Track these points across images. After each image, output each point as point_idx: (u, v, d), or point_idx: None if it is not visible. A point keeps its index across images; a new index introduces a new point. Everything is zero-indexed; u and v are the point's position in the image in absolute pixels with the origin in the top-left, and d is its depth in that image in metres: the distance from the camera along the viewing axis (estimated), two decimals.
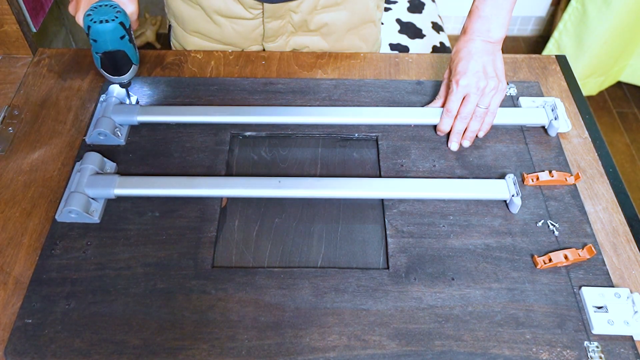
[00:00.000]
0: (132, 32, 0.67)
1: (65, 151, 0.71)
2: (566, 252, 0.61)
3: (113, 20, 0.62)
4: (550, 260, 0.60)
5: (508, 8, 0.70)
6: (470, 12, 0.71)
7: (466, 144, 0.72)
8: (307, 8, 0.81)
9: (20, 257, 0.61)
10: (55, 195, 0.66)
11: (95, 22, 0.62)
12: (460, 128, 0.71)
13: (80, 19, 0.66)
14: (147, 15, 2.11)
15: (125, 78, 0.69)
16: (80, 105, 0.77)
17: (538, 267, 0.60)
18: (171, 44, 0.95)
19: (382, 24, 1.65)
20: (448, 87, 0.72)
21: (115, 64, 0.67)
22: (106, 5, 0.64)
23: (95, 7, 0.63)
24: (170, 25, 0.93)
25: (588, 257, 0.60)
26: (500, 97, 0.70)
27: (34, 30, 0.94)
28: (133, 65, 0.69)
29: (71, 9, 0.69)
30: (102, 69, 0.68)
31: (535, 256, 0.61)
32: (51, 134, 0.73)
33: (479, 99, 0.69)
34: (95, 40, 0.63)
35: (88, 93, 0.79)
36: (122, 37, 0.64)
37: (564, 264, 0.60)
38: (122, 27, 0.63)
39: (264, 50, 0.89)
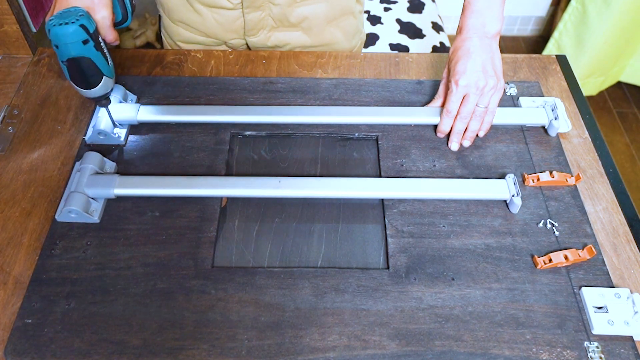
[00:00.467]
0: (100, 39, 0.62)
1: (65, 151, 0.71)
2: (566, 252, 0.61)
3: (73, 22, 0.58)
4: (550, 260, 0.60)
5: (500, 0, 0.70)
6: (463, 8, 0.71)
7: (466, 143, 0.72)
8: (286, 0, 0.82)
9: (20, 257, 0.61)
10: (55, 195, 0.66)
11: (54, 25, 0.58)
12: (460, 128, 0.71)
13: None
14: (147, 15, 2.11)
15: (97, 92, 0.64)
16: (80, 105, 0.77)
17: (538, 267, 0.60)
18: (162, 35, 0.96)
19: (383, 21, 1.65)
20: (447, 87, 0.72)
21: (82, 73, 0.62)
22: (70, 10, 0.60)
23: (60, 13, 0.60)
24: (159, 16, 0.94)
25: (588, 257, 0.60)
26: (499, 95, 0.70)
27: (34, 30, 0.94)
28: (104, 77, 0.63)
29: (47, 17, 0.65)
30: (71, 81, 0.63)
31: (536, 256, 0.61)
32: (51, 134, 0.73)
33: (479, 98, 0.69)
34: (57, 46, 0.60)
35: None
36: (85, 42, 0.60)
37: (564, 265, 0.60)
38: (83, 30, 0.59)
39: (246, 44, 0.89)
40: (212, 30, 0.87)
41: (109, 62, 0.64)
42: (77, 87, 0.64)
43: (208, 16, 0.85)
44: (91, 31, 0.61)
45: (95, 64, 0.62)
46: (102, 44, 0.63)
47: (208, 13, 0.84)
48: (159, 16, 0.94)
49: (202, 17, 0.85)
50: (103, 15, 0.64)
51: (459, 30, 0.72)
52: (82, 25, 0.59)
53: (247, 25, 0.85)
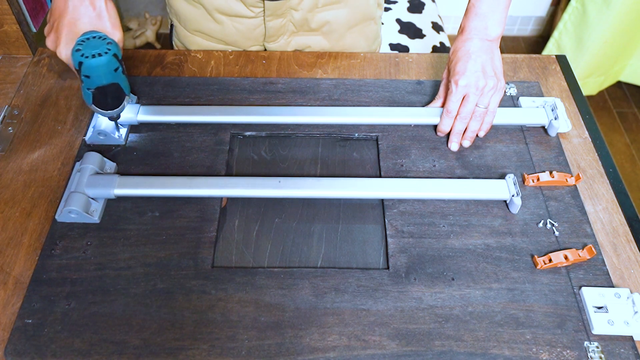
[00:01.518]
0: (123, 63, 0.63)
1: (65, 151, 0.71)
2: (566, 252, 0.61)
3: (106, 53, 0.58)
4: (550, 260, 0.60)
5: (504, 4, 0.70)
6: (466, 10, 0.71)
7: (466, 144, 0.72)
8: (307, 5, 0.81)
9: (20, 257, 0.61)
10: (55, 195, 0.66)
11: (87, 57, 0.58)
12: (460, 128, 0.71)
13: (62, 54, 0.62)
14: (147, 15, 2.11)
15: (118, 111, 0.66)
16: (80, 105, 0.77)
17: (538, 267, 0.60)
18: (173, 43, 0.95)
19: (382, 23, 1.65)
20: (447, 87, 0.72)
21: (108, 97, 0.63)
22: (94, 37, 0.59)
23: (83, 41, 0.59)
24: (172, 25, 0.93)
25: (588, 257, 0.60)
26: (499, 96, 0.70)
27: (34, 30, 0.94)
28: (125, 97, 0.65)
29: (49, 43, 0.64)
30: (93, 105, 0.63)
31: (536, 256, 0.61)
32: (51, 134, 0.73)
33: (478, 98, 0.69)
34: (87, 77, 0.59)
35: None
36: (116, 70, 0.61)
37: (564, 265, 0.60)
38: (115, 59, 0.60)
39: (265, 50, 0.89)
40: (232, 38, 0.86)
41: (128, 81, 0.65)
42: (99, 109, 0.64)
43: (228, 25, 0.84)
44: (120, 57, 0.61)
45: (121, 88, 0.63)
46: (124, 67, 0.63)
47: (228, 22, 0.84)
48: (171, 25, 0.93)
49: (222, 26, 0.84)
50: (118, 38, 0.64)
51: (461, 31, 0.72)
52: (114, 55, 0.59)
53: (267, 32, 0.84)
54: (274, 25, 0.83)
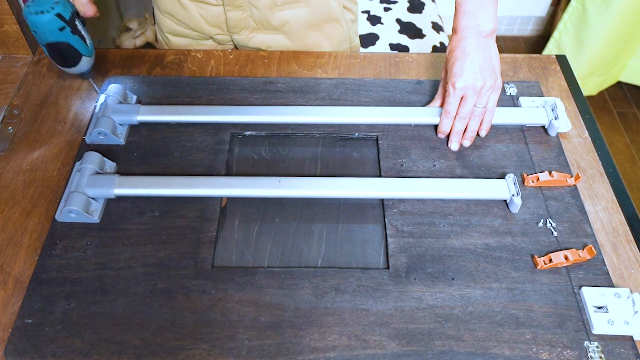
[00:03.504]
0: (78, 22, 0.65)
1: (65, 151, 0.71)
2: (566, 252, 0.61)
3: (49, 11, 0.61)
4: (550, 260, 0.60)
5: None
6: (455, 10, 0.71)
7: (466, 143, 0.72)
8: (266, 3, 0.83)
9: (20, 257, 0.61)
10: (55, 194, 0.66)
11: (31, 13, 0.61)
12: (459, 128, 0.71)
13: None
14: (147, 15, 2.11)
15: (77, 70, 0.68)
16: (80, 105, 0.77)
17: (538, 267, 0.60)
18: (155, 27, 0.98)
19: (383, 21, 1.65)
20: (445, 88, 0.72)
21: (62, 55, 0.65)
22: None
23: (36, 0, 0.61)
24: (152, 7, 0.95)
25: (588, 257, 0.60)
26: (497, 94, 0.70)
27: None
28: (84, 57, 0.67)
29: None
30: (52, 60, 0.67)
31: (536, 256, 0.61)
32: (51, 134, 0.73)
33: (477, 99, 0.69)
34: (35, 32, 0.62)
35: (88, 92, 0.79)
36: (62, 29, 0.62)
37: (565, 265, 0.60)
38: (59, 18, 0.61)
39: (232, 41, 0.91)
40: (198, 24, 0.88)
41: (88, 42, 0.67)
42: (58, 65, 0.67)
43: (193, 10, 0.86)
44: (67, 18, 0.62)
45: (73, 47, 0.65)
46: (79, 26, 0.65)
47: (193, 7, 0.86)
48: (152, 7, 0.95)
49: (187, 11, 0.86)
50: (80, 2, 0.65)
51: (454, 30, 0.71)
52: (57, 14, 0.61)
53: (229, 22, 0.86)
54: (234, 17, 0.85)
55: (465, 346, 0.55)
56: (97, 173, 0.65)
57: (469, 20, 0.69)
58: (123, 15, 2.15)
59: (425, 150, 0.72)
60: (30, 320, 0.55)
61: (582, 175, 0.70)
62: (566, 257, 0.60)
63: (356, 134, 0.74)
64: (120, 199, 0.65)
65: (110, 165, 0.68)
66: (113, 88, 0.74)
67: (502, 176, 0.68)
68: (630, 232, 0.65)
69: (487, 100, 0.69)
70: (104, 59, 0.84)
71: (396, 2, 1.74)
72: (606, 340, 0.56)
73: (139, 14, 2.15)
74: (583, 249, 0.61)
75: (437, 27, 1.66)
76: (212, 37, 0.90)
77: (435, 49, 1.58)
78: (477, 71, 0.68)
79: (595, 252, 0.61)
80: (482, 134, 0.73)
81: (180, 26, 0.90)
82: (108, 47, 2.01)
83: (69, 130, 0.74)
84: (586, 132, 0.76)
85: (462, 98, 0.70)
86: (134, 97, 0.76)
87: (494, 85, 0.69)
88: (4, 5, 0.79)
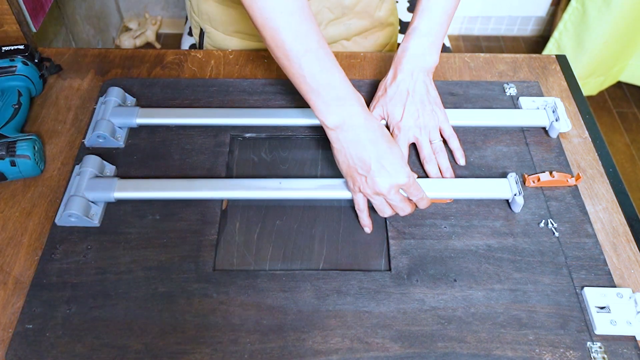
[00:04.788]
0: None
1: (65, 151, 0.71)
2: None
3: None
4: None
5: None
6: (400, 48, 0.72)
7: (449, 175, 0.68)
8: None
9: (20, 257, 0.61)
10: (55, 194, 0.66)
11: None
12: (435, 171, 0.69)
13: None
14: (147, 15, 2.11)
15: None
16: (80, 105, 0.77)
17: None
18: (204, 48, 0.94)
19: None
20: (385, 89, 0.71)
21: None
22: None
23: None
24: (202, 31, 0.91)
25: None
26: (440, 112, 0.69)
27: (34, 30, 0.94)
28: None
29: None
30: None
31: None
32: (51, 134, 0.73)
33: (429, 135, 0.68)
34: None
35: (88, 93, 0.78)
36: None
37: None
38: None
39: None
40: None
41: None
42: None
43: None
44: None
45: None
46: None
47: None
48: (201, 30, 0.91)
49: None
50: None
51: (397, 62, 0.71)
52: None
53: None
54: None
55: (468, 348, 0.55)
56: (97, 176, 0.65)
57: (414, 60, 0.69)
58: (123, 15, 2.15)
59: None
60: (31, 326, 0.55)
61: (582, 175, 0.70)
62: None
63: None
64: (120, 202, 0.65)
65: (110, 168, 0.68)
66: (112, 91, 0.73)
67: (504, 176, 0.68)
68: (630, 232, 0.65)
69: (437, 130, 0.69)
70: (104, 59, 0.84)
71: (396, 2, 1.74)
72: (609, 341, 0.55)
73: (139, 14, 2.15)
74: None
75: None
76: None
77: None
78: (418, 110, 0.68)
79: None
80: (461, 162, 0.70)
81: (252, 41, 0.87)
82: (108, 47, 2.01)
83: (69, 130, 0.74)
84: (586, 132, 0.76)
85: (414, 142, 0.69)
86: (133, 100, 0.76)
87: (432, 108, 0.68)
88: (4, 5, 0.79)
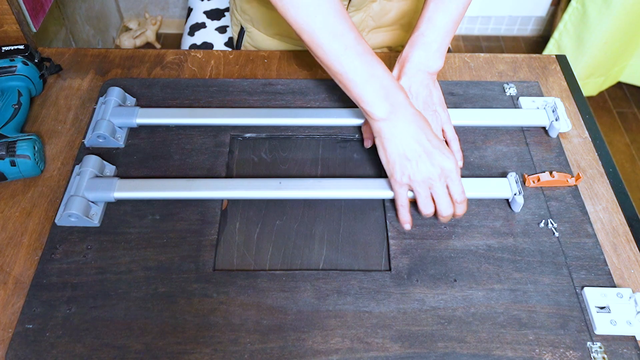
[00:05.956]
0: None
1: (65, 151, 0.71)
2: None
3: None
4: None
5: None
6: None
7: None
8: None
9: (20, 257, 0.61)
10: (55, 194, 0.66)
11: None
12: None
13: None
14: (147, 15, 2.11)
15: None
16: (80, 105, 0.77)
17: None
18: (242, 47, 0.95)
19: None
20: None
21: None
22: None
23: None
24: (242, 29, 0.91)
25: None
26: (443, 113, 0.68)
27: (34, 30, 0.94)
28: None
29: None
30: None
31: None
32: (51, 134, 0.73)
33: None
34: None
35: (88, 93, 0.78)
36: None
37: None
38: None
39: None
40: None
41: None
42: None
43: None
44: None
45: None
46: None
47: None
48: (241, 28, 0.90)
49: None
50: None
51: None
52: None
53: None
54: (355, 21, 0.82)
55: (468, 348, 0.55)
56: (97, 176, 0.65)
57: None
58: (123, 16, 2.15)
59: None
60: (31, 326, 0.55)
61: (582, 175, 0.70)
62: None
63: (357, 136, 0.74)
64: (120, 202, 0.65)
65: (109, 168, 0.68)
66: (112, 91, 0.73)
67: (504, 176, 0.68)
68: (630, 232, 0.65)
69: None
70: (104, 59, 0.84)
71: None
72: (609, 341, 0.55)
73: (139, 14, 2.15)
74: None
75: None
76: None
77: None
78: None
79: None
80: (459, 165, 0.66)
81: (290, 43, 0.86)
82: (108, 47, 2.01)
83: (69, 130, 0.74)
84: (586, 132, 0.76)
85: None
86: (133, 100, 0.76)
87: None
88: (4, 5, 0.79)
